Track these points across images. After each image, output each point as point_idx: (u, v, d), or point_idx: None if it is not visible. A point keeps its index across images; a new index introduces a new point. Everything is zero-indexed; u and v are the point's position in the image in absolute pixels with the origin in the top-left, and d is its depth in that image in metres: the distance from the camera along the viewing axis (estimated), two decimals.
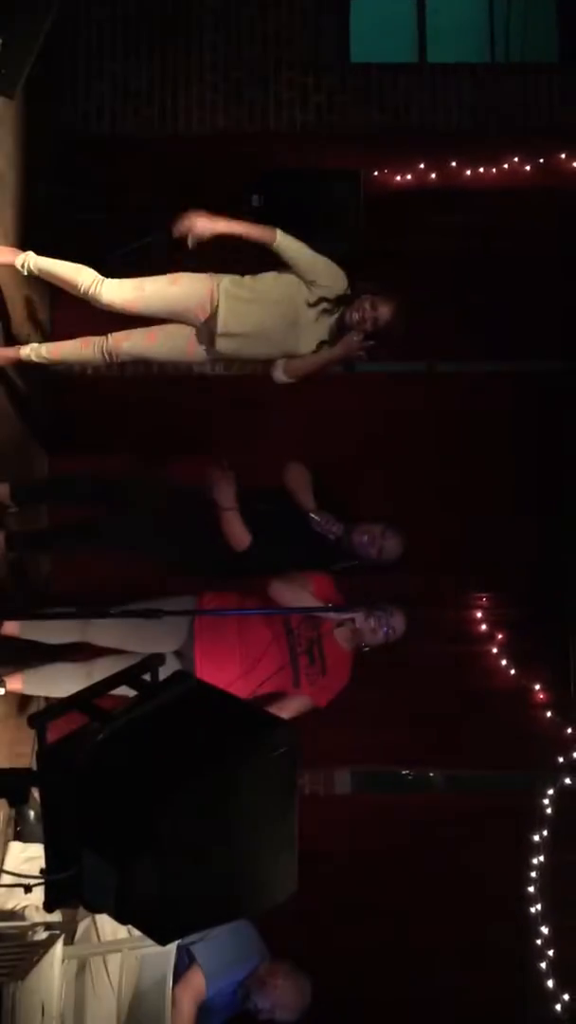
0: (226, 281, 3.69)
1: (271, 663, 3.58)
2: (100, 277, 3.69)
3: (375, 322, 3.66)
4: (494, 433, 4.87)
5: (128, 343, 3.77)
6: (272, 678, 3.58)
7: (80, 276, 3.70)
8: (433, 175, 5.14)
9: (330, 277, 3.70)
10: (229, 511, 3.68)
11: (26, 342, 4.04)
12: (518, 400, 4.95)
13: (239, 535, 3.68)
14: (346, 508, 3.93)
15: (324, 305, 3.72)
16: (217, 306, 3.66)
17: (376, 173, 5.04)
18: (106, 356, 3.78)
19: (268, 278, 3.73)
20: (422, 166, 5.14)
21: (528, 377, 5.12)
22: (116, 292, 3.67)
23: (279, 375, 3.81)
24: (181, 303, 3.71)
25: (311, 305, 3.70)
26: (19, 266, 3.79)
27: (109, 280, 3.69)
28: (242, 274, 3.75)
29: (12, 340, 4.10)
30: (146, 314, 3.74)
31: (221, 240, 3.72)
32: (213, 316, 3.68)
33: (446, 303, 4.90)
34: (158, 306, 3.72)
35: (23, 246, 4.30)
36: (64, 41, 5.20)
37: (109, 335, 3.78)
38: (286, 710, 3.50)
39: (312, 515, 3.80)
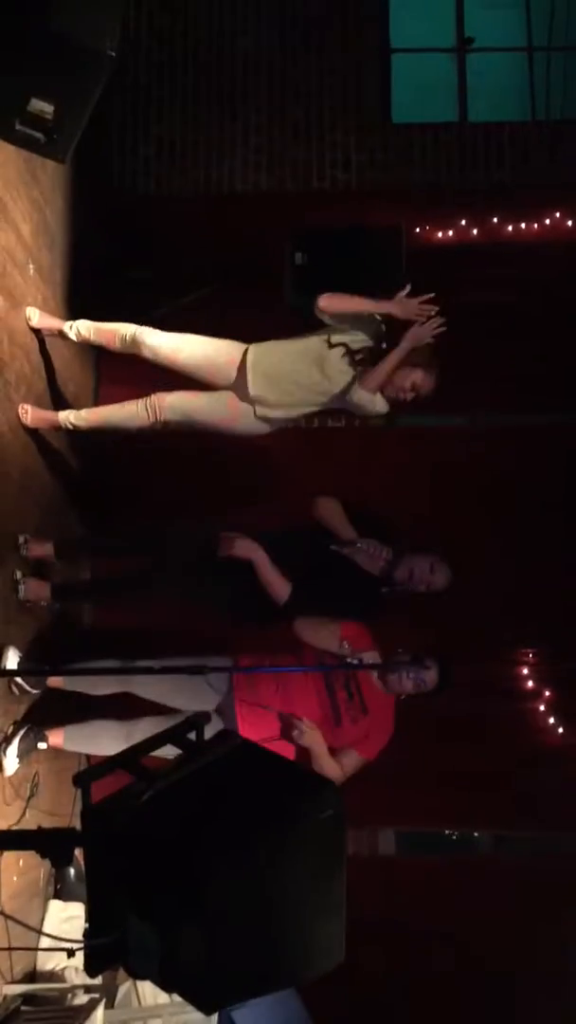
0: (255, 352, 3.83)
1: (310, 703, 3.53)
2: (144, 327, 3.85)
3: (416, 395, 3.72)
4: (539, 486, 4.82)
5: (172, 397, 3.83)
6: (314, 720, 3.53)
7: (124, 327, 3.88)
8: (475, 231, 5.17)
9: (368, 332, 3.77)
10: (260, 562, 3.62)
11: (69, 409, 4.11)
12: (563, 452, 4.91)
13: (278, 586, 3.63)
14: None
15: (343, 349, 3.74)
16: (245, 354, 3.78)
17: (418, 230, 5.09)
18: (149, 412, 3.82)
19: (294, 341, 3.83)
20: (463, 223, 5.18)
21: (572, 428, 5.08)
22: (160, 337, 3.83)
23: (364, 403, 3.72)
24: (220, 356, 3.82)
25: (332, 346, 3.74)
26: (67, 331, 3.90)
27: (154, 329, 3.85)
28: None
29: (57, 406, 4.16)
30: (186, 364, 3.83)
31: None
32: (243, 364, 3.77)
33: (489, 357, 4.90)
34: (197, 354, 3.83)
35: (71, 305, 4.40)
36: (112, 104, 5.35)
37: (153, 394, 3.84)
38: (339, 769, 3.45)
39: (358, 544, 3.75)
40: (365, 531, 3.81)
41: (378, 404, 3.76)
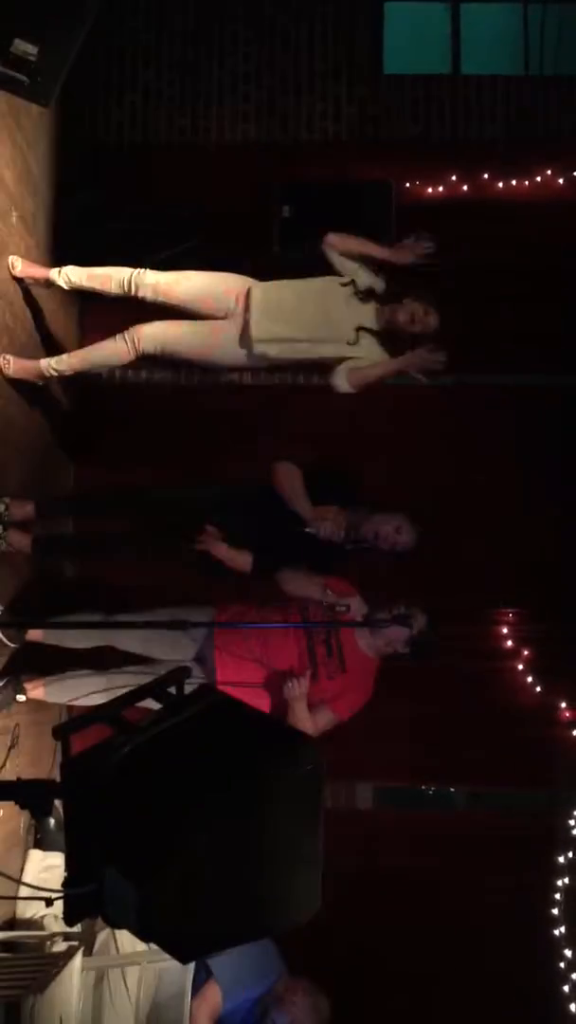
0: (262, 284, 3.81)
1: (289, 653, 3.55)
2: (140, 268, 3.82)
3: (425, 326, 3.69)
4: (521, 446, 4.82)
5: (150, 327, 3.78)
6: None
7: (120, 271, 3.81)
8: (465, 187, 5.11)
9: (370, 280, 3.78)
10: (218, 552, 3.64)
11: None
12: (545, 413, 4.91)
13: (240, 563, 3.64)
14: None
15: (352, 289, 3.74)
16: (250, 291, 3.75)
17: (408, 184, 5.03)
18: (128, 344, 3.77)
19: (299, 280, 3.80)
20: (454, 178, 5.12)
21: (556, 390, 5.07)
22: (158, 273, 3.79)
23: (340, 383, 3.74)
24: (220, 285, 3.79)
25: (342, 285, 3.74)
26: (55, 277, 3.83)
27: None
28: None
29: (40, 358, 4.10)
30: (185, 300, 3.78)
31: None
32: (247, 299, 3.73)
33: (476, 315, 4.87)
34: (197, 287, 3.78)
35: (55, 255, 4.34)
36: (98, 50, 5.22)
37: (132, 326, 3.80)
38: (310, 726, 3.47)
39: (309, 529, 3.67)
40: (329, 493, 3.74)
41: (344, 389, 3.76)
